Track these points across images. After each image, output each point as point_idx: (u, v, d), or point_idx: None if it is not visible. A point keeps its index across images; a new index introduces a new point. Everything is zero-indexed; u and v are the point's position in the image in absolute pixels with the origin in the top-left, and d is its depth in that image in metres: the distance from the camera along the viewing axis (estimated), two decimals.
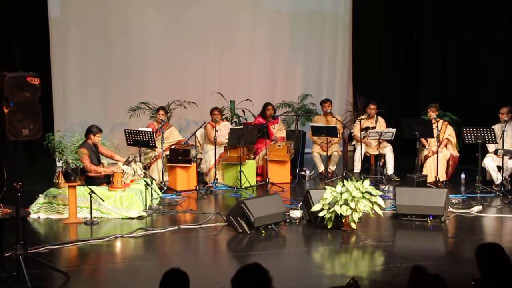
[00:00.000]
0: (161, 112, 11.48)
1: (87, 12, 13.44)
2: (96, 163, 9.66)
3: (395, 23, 14.73)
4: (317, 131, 11.65)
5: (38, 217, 9.10)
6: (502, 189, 10.36)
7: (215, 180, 11.10)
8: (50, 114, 12.75)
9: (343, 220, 8.28)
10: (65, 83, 13.37)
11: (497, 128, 10.60)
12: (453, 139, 11.33)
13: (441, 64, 13.97)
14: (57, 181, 9.14)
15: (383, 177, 11.42)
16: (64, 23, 13.31)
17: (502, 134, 10.39)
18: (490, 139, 10.41)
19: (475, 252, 4.53)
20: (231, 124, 12.59)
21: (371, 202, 8.25)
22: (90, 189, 8.79)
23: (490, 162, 10.63)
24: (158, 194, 10.20)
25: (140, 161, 10.30)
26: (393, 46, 14.75)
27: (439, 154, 10.85)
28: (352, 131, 12.27)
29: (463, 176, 11.19)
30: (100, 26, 13.52)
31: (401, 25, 14.72)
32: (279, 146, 11.51)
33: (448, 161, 11.16)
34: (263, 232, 8.24)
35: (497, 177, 10.57)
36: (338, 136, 11.66)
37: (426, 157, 11.18)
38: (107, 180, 9.47)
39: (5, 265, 6.67)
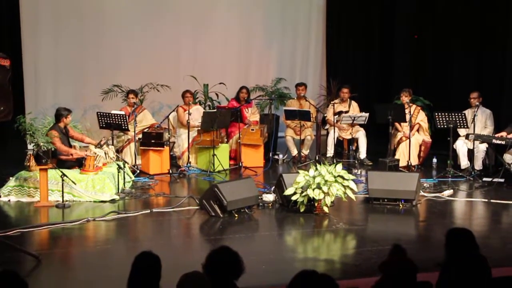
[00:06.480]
0: (131, 95, 11.40)
1: None
2: (67, 145, 9.58)
3: (369, 8, 14.76)
4: (290, 115, 11.65)
5: (9, 200, 9.00)
6: (473, 173, 10.47)
7: (188, 164, 11.07)
8: (21, 96, 12.61)
9: (316, 204, 8.30)
10: (36, 65, 13.23)
11: (468, 113, 10.71)
12: (425, 124, 11.40)
13: (414, 49, 14.04)
14: (28, 163, 9.05)
15: (356, 161, 11.49)
16: (35, 4, 13.14)
17: (473, 118, 10.48)
18: (462, 124, 10.51)
19: (446, 234, 4.58)
20: (204, 107, 12.56)
21: (343, 186, 8.28)
22: (61, 172, 8.71)
23: (462, 146, 10.72)
24: (130, 178, 10.16)
25: (112, 144, 10.24)
26: (366, 30, 14.79)
27: (411, 139, 10.92)
28: (325, 115, 12.31)
29: (434, 160, 11.30)
30: (72, 7, 13.37)
31: (375, 10, 14.76)
32: (253, 130, 11.50)
33: (420, 146, 11.24)
34: (236, 215, 8.23)
35: (467, 162, 10.67)
36: (312, 120, 11.68)
37: (399, 141, 11.25)
38: (79, 163, 9.40)
39: None
